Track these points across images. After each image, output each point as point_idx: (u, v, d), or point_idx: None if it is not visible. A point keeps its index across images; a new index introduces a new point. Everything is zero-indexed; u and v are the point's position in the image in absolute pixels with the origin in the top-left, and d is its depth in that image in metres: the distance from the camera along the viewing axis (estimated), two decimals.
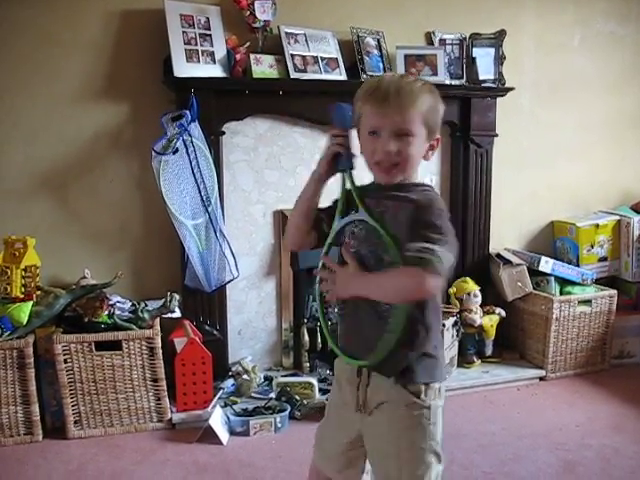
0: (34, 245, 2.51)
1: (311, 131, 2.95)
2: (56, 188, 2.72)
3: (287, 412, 2.56)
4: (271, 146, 2.91)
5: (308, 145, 2.97)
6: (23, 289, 2.47)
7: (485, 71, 3.12)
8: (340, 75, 2.87)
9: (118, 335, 2.45)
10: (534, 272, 3.15)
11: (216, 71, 2.69)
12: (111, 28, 2.68)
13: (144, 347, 2.48)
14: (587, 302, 3.12)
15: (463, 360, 3.08)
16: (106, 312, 2.51)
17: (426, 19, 3.12)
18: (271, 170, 2.93)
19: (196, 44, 2.67)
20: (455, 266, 3.25)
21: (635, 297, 3.39)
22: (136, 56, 2.72)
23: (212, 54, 2.69)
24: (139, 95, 2.74)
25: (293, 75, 2.76)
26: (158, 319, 2.59)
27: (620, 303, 3.22)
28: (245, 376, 2.78)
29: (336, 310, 1.46)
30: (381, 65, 2.96)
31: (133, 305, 2.64)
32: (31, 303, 2.45)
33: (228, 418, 2.52)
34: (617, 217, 3.40)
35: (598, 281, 3.27)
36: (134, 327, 2.49)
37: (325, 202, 1.43)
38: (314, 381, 2.72)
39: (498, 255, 3.23)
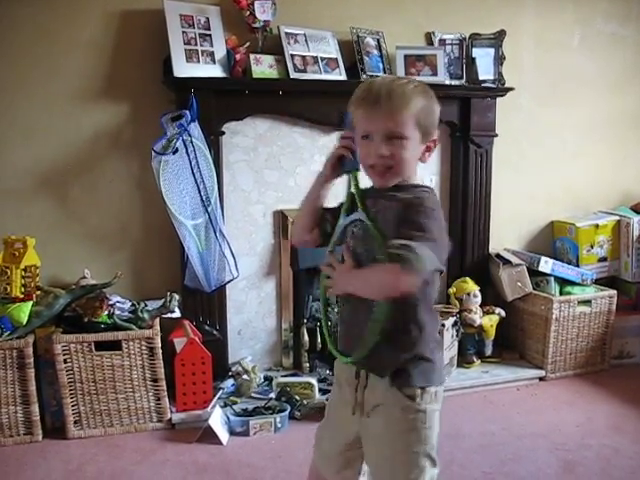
0: (34, 245, 2.51)
1: (311, 131, 2.95)
2: (56, 188, 2.72)
3: (287, 412, 2.56)
4: (271, 146, 2.91)
5: (308, 145, 2.97)
6: (23, 289, 2.47)
7: (485, 71, 3.13)
8: (340, 75, 2.87)
9: (118, 335, 2.45)
10: (534, 272, 3.15)
11: (216, 71, 2.69)
12: (111, 28, 2.68)
13: (144, 347, 2.48)
14: (587, 302, 3.12)
15: (463, 360, 3.08)
16: (106, 312, 2.51)
17: (426, 19, 3.12)
18: (271, 170, 2.93)
19: (196, 44, 2.67)
20: (453, 266, 3.23)
21: (635, 297, 3.39)
22: (136, 56, 2.72)
23: (212, 54, 2.69)
24: (139, 95, 2.74)
25: (293, 75, 2.76)
26: (158, 319, 2.59)
27: (620, 303, 3.22)
28: (245, 376, 2.78)
29: (336, 310, 1.47)
30: (381, 65, 2.96)
31: (133, 305, 2.64)
32: (31, 303, 2.45)
33: (228, 418, 2.52)
34: (617, 217, 3.40)
35: (598, 281, 3.27)
36: (134, 327, 2.49)
37: (333, 202, 1.46)
38: (314, 381, 2.72)
39: (498, 255, 3.23)
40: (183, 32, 2.65)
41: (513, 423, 2.61)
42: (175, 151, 2.57)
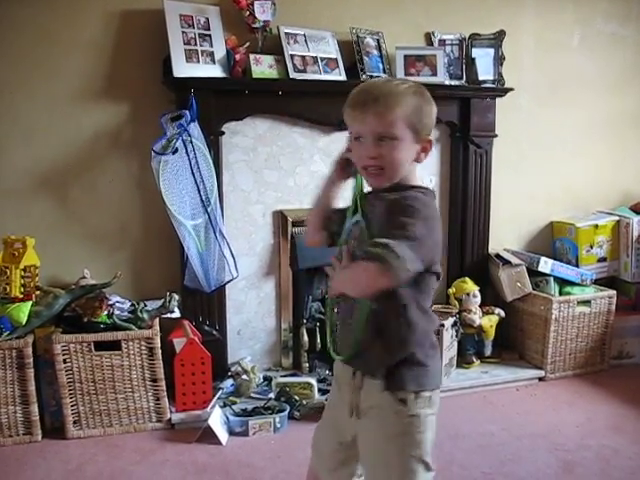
0: (33, 245, 2.51)
1: (310, 131, 2.95)
2: (56, 188, 2.71)
3: (286, 412, 2.56)
4: (270, 146, 2.91)
5: (307, 145, 2.97)
6: (22, 289, 2.47)
7: (484, 71, 3.13)
8: (340, 75, 2.87)
9: (117, 335, 2.45)
10: (533, 272, 3.15)
11: (216, 71, 2.69)
12: (111, 28, 2.68)
13: (143, 347, 2.48)
14: (586, 302, 3.12)
15: (462, 360, 3.08)
16: (105, 312, 2.51)
17: (426, 19, 3.12)
18: (270, 170, 2.93)
19: (196, 44, 2.67)
20: (453, 266, 3.22)
21: (634, 298, 3.39)
22: (136, 56, 2.72)
23: (212, 54, 2.69)
24: (139, 95, 2.74)
25: (293, 75, 2.76)
26: (157, 319, 2.59)
27: (619, 303, 3.22)
28: (244, 376, 2.78)
29: (335, 310, 1.48)
30: (381, 65, 2.96)
31: (132, 305, 2.64)
32: (30, 303, 2.44)
33: (227, 418, 2.52)
34: (616, 218, 3.40)
35: (597, 281, 3.27)
36: (133, 327, 2.49)
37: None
38: (313, 381, 2.72)
39: (497, 255, 3.23)
40: (183, 32, 2.65)
41: (513, 423, 2.61)
42: (175, 151, 2.57)
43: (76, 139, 2.70)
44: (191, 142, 2.60)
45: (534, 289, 3.15)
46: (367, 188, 1.38)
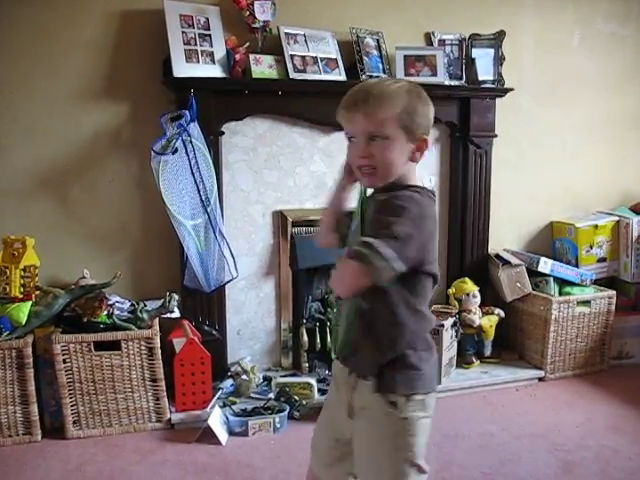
0: (33, 245, 2.51)
1: (310, 131, 2.95)
2: (55, 188, 2.71)
3: (286, 412, 2.56)
4: (270, 146, 2.91)
5: (307, 145, 2.97)
6: (22, 289, 2.47)
7: (484, 72, 3.13)
8: (339, 75, 2.87)
9: (117, 335, 2.45)
10: (533, 273, 3.15)
11: (215, 71, 2.69)
12: (111, 28, 2.68)
13: (143, 347, 2.48)
14: (586, 303, 3.12)
15: (462, 360, 3.08)
16: (105, 312, 2.51)
17: (425, 20, 3.12)
18: (270, 170, 2.93)
19: (195, 44, 2.67)
20: (453, 266, 3.22)
21: (634, 298, 3.39)
22: (136, 56, 2.72)
23: (211, 54, 2.69)
24: (139, 95, 2.74)
25: (292, 75, 2.76)
26: (157, 319, 2.59)
27: (619, 304, 3.22)
28: (244, 376, 2.78)
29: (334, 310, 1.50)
30: (380, 66, 2.96)
31: (132, 305, 2.64)
32: (30, 303, 2.44)
33: (227, 418, 2.52)
34: (616, 218, 3.40)
35: (597, 282, 3.27)
36: (133, 327, 2.49)
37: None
38: (313, 381, 2.72)
39: (497, 256, 3.23)
40: (183, 32, 2.65)
41: (512, 424, 2.61)
42: (174, 151, 2.57)
43: (76, 139, 2.70)
44: (191, 142, 2.60)
45: (534, 289, 3.15)
46: (370, 190, 1.39)
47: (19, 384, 2.37)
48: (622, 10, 3.48)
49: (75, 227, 2.76)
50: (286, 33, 2.81)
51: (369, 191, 1.39)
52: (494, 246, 3.31)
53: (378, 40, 2.99)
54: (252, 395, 2.74)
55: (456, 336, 3.00)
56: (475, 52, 3.13)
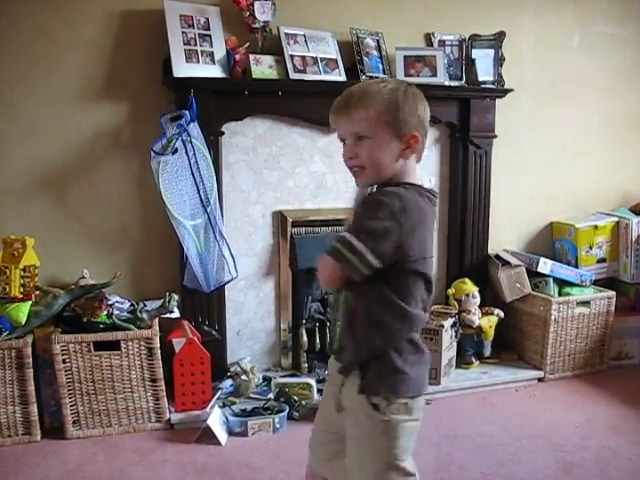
0: (33, 245, 2.51)
1: (310, 132, 2.95)
2: (55, 188, 2.71)
3: (285, 413, 2.56)
4: (270, 146, 2.91)
5: (307, 145, 2.97)
6: (22, 289, 2.47)
7: (484, 72, 3.13)
8: (339, 76, 2.87)
9: (117, 335, 2.45)
10: (533, 273, 3.15)
11: (215, 71, 2.69)
12: (111, 28, 2.68)
13: (143, 347, 2.48)
14: (586, 303, 3.12)
15: (462, 361, 3.08)
16: (105, 312, 2.51)
17: (425, 20, 3.12)
18: (270, 170, 2.93)
19: (195, 44, 2.67)
20: (452, 266, 3.22)
21: (634, 298, 3.39)
22: (136, 56, 2.72)
23: (211, 54, 2.69)
24: (139, 95, 2.74)
25: (292, 76, 2.76)
26: (157, 319, 2.59)
27: (619, 304, 3.22)
28: (244, 376, 2.78)
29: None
30: (380, 66, 2.96)
31: (132, 305, 2.64)
32: (30, 303, 2.44)
33: (227, 418, 2.52)
34: (616, 218, 3.40)
35: (597, 282, 3.27)
36: (133, 327, 2.49)
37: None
38: (312, 382, 2.72)
39: (497, 256, 3.23)
40: (183, 32, 2.65)
41: (512, 424, 2.61)
42: (174, 151, 2.57)
43: (76, 139, 2.70)
44: (191, 142, 2.60)
45: (533, 290, 3.16)
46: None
47: (19, 384, 2.37)
48: (622, 10, 3.48)
49: (75, 227, 2.76)
50: (286, 33, 2.81)
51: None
52: (494, 246, 3.31)
53: (378, 40, 2.99)
54: (252, 395, 2.74)
55: (456, 336, 3.00)
56: (475, 53, 3.14)
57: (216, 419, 2.46)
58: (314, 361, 2.98)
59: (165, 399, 2.54)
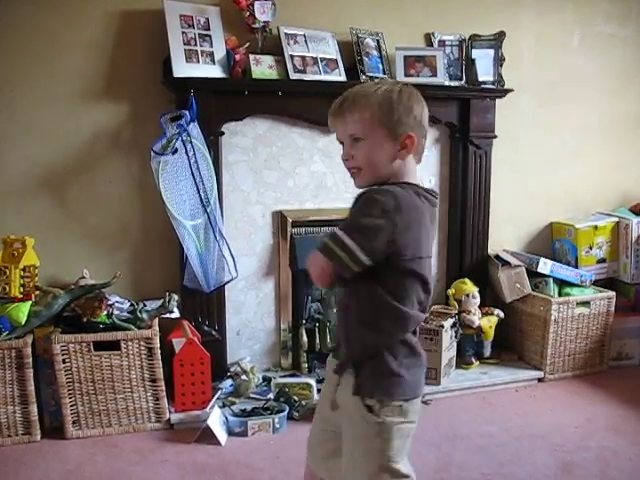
0: (33, 245, 2.51)
1: (310, 132, 2.95)
2: (55, 188, 2.71)
3: (285, 413, 2.56)
4: (270, 146, 2.91)
5: (307, 146, 2.97)
6: (22, 289, 2.47)
7: (484, 72, 3.13)
8: (339, 76, 2.87)
9: (117, 335, 2.45)
10: (533, 273, 3.15)
11: (215, 71, 2.69)
12: (111, 28, 2.68)
13: (143, 347, 2.48)
14: (585, 304, 3.12)
15: (462, 361, 3.08)
16: (105, 312, 2.51)
17: (425, 20, 3.12)
18: (270, 170, 2.93)
19: (195, 44, 2.67)
20: (452, 267, 3.22)
21: (633, 299, 3.38)
22: (136, 56, 2.72)
23: (211, 54, 2.69)
24: (139, 95, 2.74)
25: (292, 76, 2.76)
26: (157, 319, 2.59)
27: (618, 305, 3.22)
28: (243, 377, 2.78)
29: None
30: (380, 66, 2.96)
31: (132, 305, 2.64)
32: (30, 303, 2.45)
33: (226, 418, 2.52)
34: (616, 219, 3.40)
35: (596, 283, 3.27)
36: (133, 327, 2.49)
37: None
38: (312, 382, 2.72)
39: (497, 256, 3.23)
40: (183, 32, 2.65)
41: (512, 424, 2.61)
42: (174, 151, 2.57)
43: (76, 139, 2.70)
44: (191, 142, 2.60)
45: (533, 290, 3.15)
46: None
47: (18, 384, 2.37)
48: (622, 10, 3.48)
49: (75, 227, 2.76)
50: (286, 33, 2.81)
51: None
52: (494, 247, 3.31)
53: (378, 41, 2.99)
54: (251, 395, 2.74)
55: (455, 337, 3.00)
56: (475, 53, 3.14)
57: (216, 419, 2.47)
58: (314, 361, 2.99)
59: (165, 399, 2.54)
